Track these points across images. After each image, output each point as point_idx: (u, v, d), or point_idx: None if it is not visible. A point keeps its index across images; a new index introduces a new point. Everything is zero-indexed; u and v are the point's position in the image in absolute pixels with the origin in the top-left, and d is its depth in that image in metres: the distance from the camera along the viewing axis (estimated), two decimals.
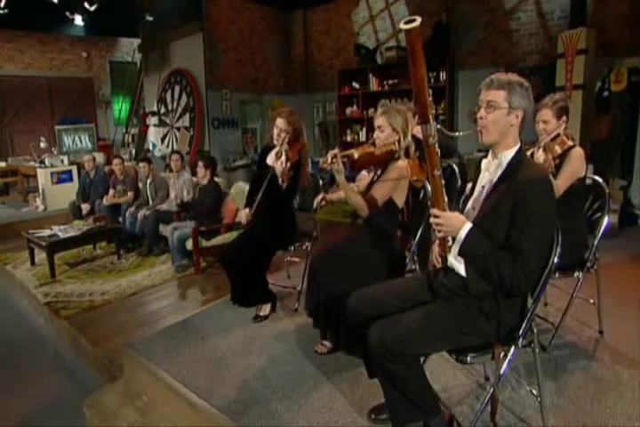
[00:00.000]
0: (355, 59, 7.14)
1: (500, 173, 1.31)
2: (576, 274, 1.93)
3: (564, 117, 1.97)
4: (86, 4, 7.31)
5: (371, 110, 6.90)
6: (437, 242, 1.45)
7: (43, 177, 6.29)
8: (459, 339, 1.26)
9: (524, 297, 1.35)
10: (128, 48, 10.33)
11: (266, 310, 2.34)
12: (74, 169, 6.49)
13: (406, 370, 1.20)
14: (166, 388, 1.85)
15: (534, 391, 1.43)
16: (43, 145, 7.04)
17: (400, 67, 6.42)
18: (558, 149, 1.93)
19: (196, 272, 3.66)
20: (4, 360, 2.89)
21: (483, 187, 1.37)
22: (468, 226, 1.27)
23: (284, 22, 8.37)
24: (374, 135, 1.89)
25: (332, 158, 1.67)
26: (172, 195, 4.28)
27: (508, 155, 1.31)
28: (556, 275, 1.86)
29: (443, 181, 1.28)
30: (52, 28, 8.69)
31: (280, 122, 2.27)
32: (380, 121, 1.86)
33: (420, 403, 1.24)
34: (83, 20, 7.45)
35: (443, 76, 5.95)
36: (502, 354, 1.29)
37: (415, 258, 2.03)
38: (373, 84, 6.72)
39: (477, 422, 1.34)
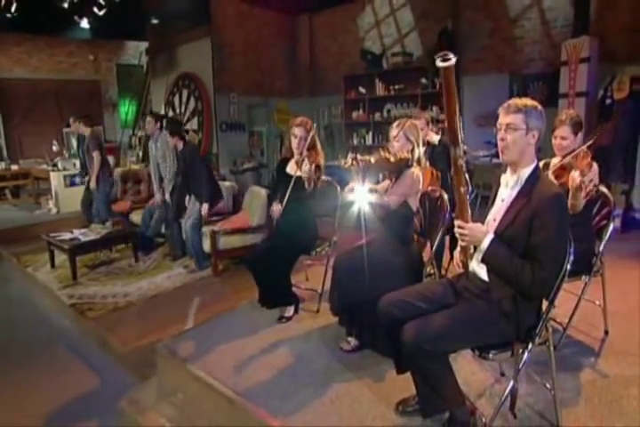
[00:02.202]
0: (360, 63, 7.28)
1: (518, 188, 1.45)
2: (583, 278, 2.07)
3: (580, 133, 2.10)
4: (95, 9, 7.43)
5: (377, 115, 7.04)
6: (458, 249, 1.59)
7: (56, 180, 6.42)
8: (482, 338, 1.41)
9: (540, 300, 1.49)
10: (134, 51, 10.46)
11: (290, 311, 2.48)
12: None
13: (437, 366, 1.34)
14: (203, 385, 1.98)
15: (548, 385, 1.57)
16: (55, 148, 7.18)
17: (406, 72, 6.57)
18: (589, 172, 1.92)
19: (214, 274, 3.80)
20: (31, 360, 3.01)
21: (502, 200, 1.51)
22: (490, 236, 1.41)
23: (290, 27, 8.50)
24: (389, 144, 2.04)
25: (352, 160, 1.83)
26: (152, 167, 4.16)
27: (526, 172, 1.45)
28: (565, 279, 2.00)
29: (468, 196, 1.41)
30: (59, 31, 8.78)
31: (298, 130, 2.43)
32: (395, 131, 2.01)
33: (447, 395, 1.38)
34: (89, 22, 7.51)
35: None
36: (520, 351, 1.43)
37: (433, 262, 2.17)
38: (380, 89, 6.86)
39: (499, 410, 1.49)
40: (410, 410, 1.63)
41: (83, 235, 4.11)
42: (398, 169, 1.98)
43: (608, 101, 4.28)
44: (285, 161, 2.60)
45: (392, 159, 1.94)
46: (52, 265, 4.32)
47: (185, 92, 8.04)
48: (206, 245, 3.84)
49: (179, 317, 3.02)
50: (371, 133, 7.14)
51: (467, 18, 5.92)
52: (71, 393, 2.55)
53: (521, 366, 1.42)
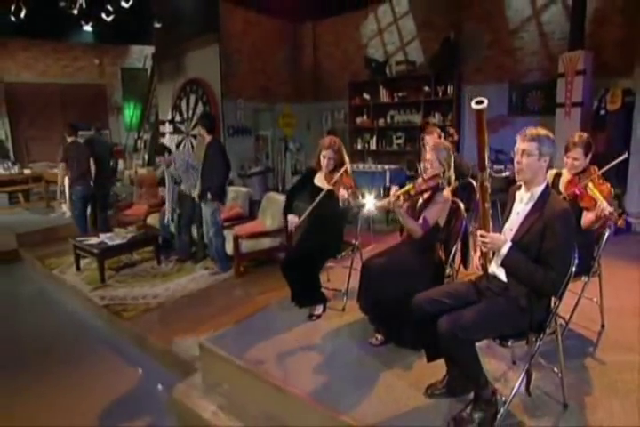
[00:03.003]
0: (363, 70, 7.54)
1: (532, 203, 1.72)
2: (583, 278, 2.35)
3: (590, 153, 2.35)
4: (103, 15, 7.59)
5: (381, 120, 7.31)
6: (478, 254, 1.86)
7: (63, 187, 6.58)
8: (503, 329, 1.68)
9: (550, 297, 1.76)
10: (139, 55, 10.63)
11: (319, 309, 2.74)
12: None
13: (467, 352, 1.61)
14: (250, 376, 2.23)
15: (555, 369, 1.85)
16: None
17: (409, 80, 6.84)
18: (611, 199, 2.21)
19: (236, 276, 4.04)
20: (75, 359, 3.18)
21: (518, 213, 1.78)
22: (508, 244, 1.68)
23: (294, 34, 8.74)
24: (422, 166, 2.30)
25: (396, 198, 2.08)
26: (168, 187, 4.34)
27: (538, 190, 1.72)
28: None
29: (490, 211, 1.68)
30: (65, 36, 8.93)
31: (327, 153, 2.70)
32: (429, 156, 2.27)
33: (475, 377, 1.65)
34: (93, 26, 7.56)
35: (450, 90, 6.37)
36: (534, 340, 1.70)
37: (452, 265, 2.44)
38: (384, 96, 7.13)
39: (516, 392, 1.76)
40: (438, 393, 1.89)
41: (109, 239, 4.32)
42: (432, 192, 2.24)
43: (602, 112, 4.58)
44: (314, 172, 2.84)
45: (424, 186, 2.20)
46: (78, 268, 4.53)
47: (192, 98, 8.24)
48: (228, 249, 4.08)
49: (210, 316, 3.24)
50: (375, 138, 7.41)
51: (468, 29, 6.20)
52: (119, 390, 2.75)
53: (535, 352, 1.70)
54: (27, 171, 7.45)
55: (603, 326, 2.49)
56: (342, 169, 2.62)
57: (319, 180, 2.79)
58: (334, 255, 2.79)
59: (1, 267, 5.28)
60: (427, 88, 6.59)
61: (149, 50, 10.18)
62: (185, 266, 4.44)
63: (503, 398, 1.78)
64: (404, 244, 2.38)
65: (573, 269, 1.74)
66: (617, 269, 3.29)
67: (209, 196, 3.88)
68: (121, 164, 8.37)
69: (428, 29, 6.80)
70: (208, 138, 4.02)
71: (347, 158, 2.80)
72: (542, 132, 1.71)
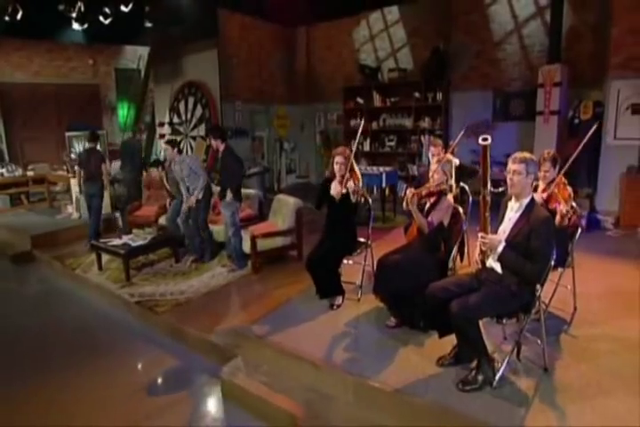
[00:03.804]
0: (355, 73, 7.94)
1: (520, 212, 2.20)
2: (559, 269, 2.86)
3: (557, 165, 2.89)
4: (101, 18, 7.73)
5: (374, 123, 7.75)
6: (478, 252, 2.33)
7: (77, 187, 6.80)
8: (499, 309, 2.16)
9: (534, 285, 2.25)
10: (132, 55, 10.73)
11: (339, 300, 3.19)
12: None
13: (473, 328, 2.08)
14: (288, 357, 2.65)
15: (538, 342, 2.35)
16: (66, 158, 7.56)
17: (401, 86, 7.29)
18: (570, 200, 2.72)
19: (254, 272, 4.43)
20: (119, 351, 3.41)
21: (509, 219, 2.25)
22: (503, 243, 2.15)
23: (289, 38, 9.07)
24: (431, 176, 2.77)
25: (411, 197, 2.54)
26: (171, 184, 4.86)
27: (525, 201, 2.20)
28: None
29: (489, 218, 2.15)
30: (59, 36, 8.97)
31: (339, 159, 3.15)
32: (434, 167, 2.73)
33: (479, 348, 2.13)
34: (86, 26, 7.62)
35: (439, 96, 6.85)
36: (523, 318, 2.19)
37: (453, 261, 2.93)
38: (377, 101, 7.56)
39: (509, 360, 2.26)
40: (447, 363, 2.38)
41: (131, 240, 4.64)
42: (438, 196, 2.71)
43: (576, 121, 5.14)
44: (329, 181, 3.27)
45: (433, 189, 2.67)
46: (100, 267, 4.82)
47: (191, 100, 8.49)
48: (245, 247, 4.47)
49: (238, 309, 3.63)
50: (368, 140, 7.85)
51: (457, 40, 6.68)
52: (164, 374, 3.07)
53: (523, 328, 2.19)
54: (30, 173, 7.59)
55: (575, 308, 3.02)
56: (350, 167, 3.08)
57: (333, 188, 3.19)
58: (350, 253, 3.24)
59: (17, 268, 5.48)
60: (417, 94, 7.06)
61: (143, 50, 10.32)
62: (202, 264, 4.79)
63: (498, 365, 2.27)
64: (414, 243, 2.84)
65: (552, 263, 2.23)
66: (587, 261, 3.85)
67: (228, 197, 4.26)
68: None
69: (418, 37, 7.26)
70: (222, 146, 4.39)
71: (355, 165, 3.24)
72: (528, 156, 2.18)
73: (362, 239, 3.40)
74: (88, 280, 4.65)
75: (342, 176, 3.13)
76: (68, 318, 4.13)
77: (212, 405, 2.70)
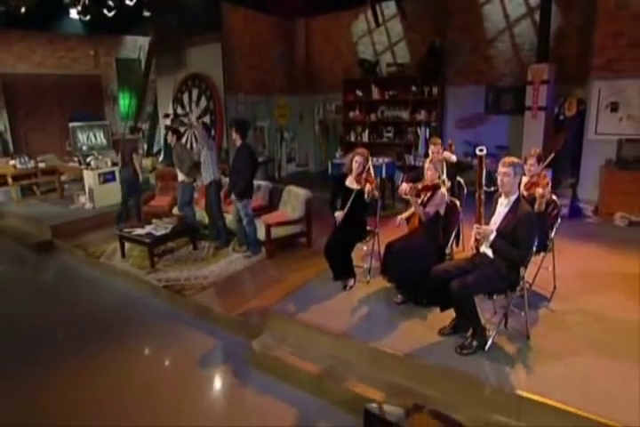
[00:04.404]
0: (353, 66, 8.21)
1: (508, 207, 2.64)
2: (542, 254, 3.34)
3: (542, 161, 3.35)
4: (105, 11, 7.86)
5: (372, 115, 8.09)
6: (473, 239, 2.78)
7: (90, 178, 7.09)
8: (490, 287, 2.63)
9: (519, 267, 2.71)
10: (133, 46, 10.81)
11: (351, 282, 3.65)
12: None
13: (470, 303, 2.55)
14: (311, 330, 3.10)
15: (523, 314, 2.83)
16: (69, 148, 7.77)
17: (399, 80, 7.62)
18: (547, 186, 3.21)
19: (268, 258, 4.85)
20: (147, 332, 3.75)
21: (499, 213, 2.70)
22: (494, 233, 2.60)
23: (288, 29, 9.25)
24: (425, 173, 3.20)
25: (409, 189, 2.98)
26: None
27: (512, 197, 2.64)
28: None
29: (483, 212, 2.59)
30: (60, 26, 9.04)
31: (358, 158, 3.54)
32: (427, 166, 3.17)
33: (474, 319, 2.61)
34: (78, 13, 7.60)
35: (435, 90, 7.20)
36: (510, 294, 2.67)
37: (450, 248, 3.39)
38: (375, 94, 7.88)
39: (498, 329, 2.75)
40: (446, 332, 2.86)
41: (154, 230, 5.01)
42: (433, 189, 3.14)
43: (562, 117, 5.57)
44: (344, 177, 3.68)
45: (429, 184, 3.11)
46: (123, 255, 5.18)
47: (195, 92, 8.70)
48: (260, 235, 4.88)
49: (259, 290, 4.05)
50: (367, 132, 8.20)
51: (452, 37, 7.00)
52: (199, 350, 3.44)
53: (510, 303, 2.67)
54: (41, 164, 7.83)
55: (555, 287, 3.51)
56: (367, 168, 3.48)
57: (350, 182, 3.62)
58: (361, 240, 3.68)
59: (38, 257, 5.77)
60: (414, 88, 7.40)
61: (143, 40, 10.42)
62: (219, 251, 5.19)
63: (489, 333, 2.76)
64: (417, 232, 3.29)
65: (534, 249, 2.69)
66: (568, 246, 4.34)
67: (233, 196, 4.64)
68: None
69: (414, 32, 7.55)
70: (239, 142, 4.72)
71: (370, 165, 3.64)
72: (515, 160, 2.61)
73: (369, 228, 3.84)
74: (114, 267, 5.00)
75: (359, 174, 3.53)
76: (100, 302, 4.43)
77: (245, 373, 3.15)
